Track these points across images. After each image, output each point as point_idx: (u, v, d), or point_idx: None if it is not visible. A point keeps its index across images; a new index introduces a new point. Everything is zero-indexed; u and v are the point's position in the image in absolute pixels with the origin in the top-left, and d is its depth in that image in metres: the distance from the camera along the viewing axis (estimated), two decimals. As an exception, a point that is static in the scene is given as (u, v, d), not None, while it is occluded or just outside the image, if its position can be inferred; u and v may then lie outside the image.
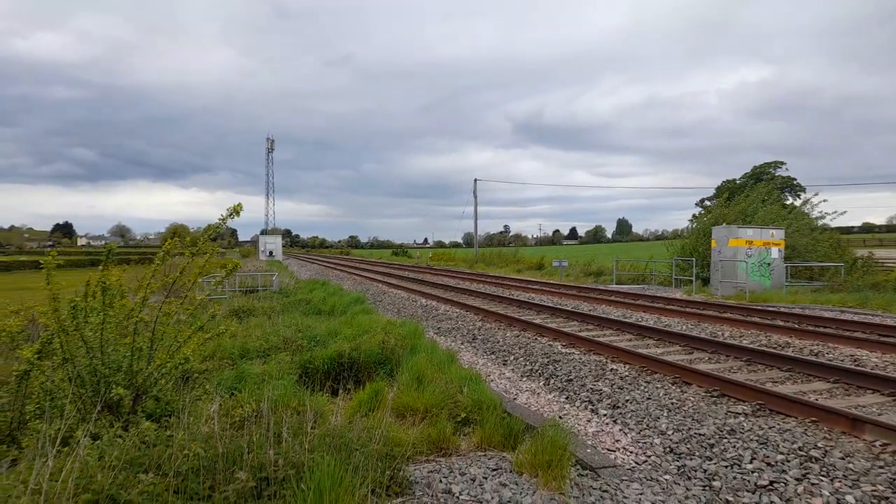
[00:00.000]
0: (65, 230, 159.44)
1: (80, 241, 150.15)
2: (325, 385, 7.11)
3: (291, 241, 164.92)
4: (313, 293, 18.08)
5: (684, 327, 11.86)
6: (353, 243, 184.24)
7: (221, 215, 5.08)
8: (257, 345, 8.27)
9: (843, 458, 4.67)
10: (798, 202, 29.20)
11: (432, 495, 3.96)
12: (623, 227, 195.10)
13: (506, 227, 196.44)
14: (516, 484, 4.21)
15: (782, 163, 51.54)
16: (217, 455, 3.59)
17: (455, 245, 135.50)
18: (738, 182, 47.11)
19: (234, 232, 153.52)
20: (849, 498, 4.01)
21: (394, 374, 7.36)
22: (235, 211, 5.12)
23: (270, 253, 62.86)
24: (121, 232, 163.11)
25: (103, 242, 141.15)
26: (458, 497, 3.97)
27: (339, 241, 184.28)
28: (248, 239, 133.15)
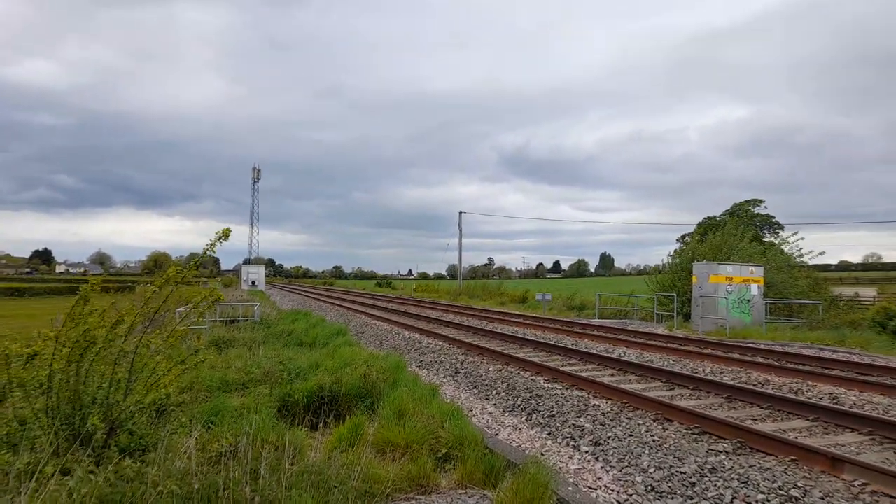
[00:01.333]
0: (43, 257, 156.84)
1: (59, 268, 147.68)
2: (304, 419, 7.01)
3: (275, 270, 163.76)
4: (295, 324, 17.91)
5: (666, 363, 11.90)
6: (337, 274, 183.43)
7: (210, 240, 5.01)
8: (237, 377, 8.15)
9: (822, 498, 4.69)
10: (777, 240, 29.72)
11: (411, 534, 3.90)
12: (606, 261, 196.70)
13: (490, 259, 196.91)
14: (497, 523, 4.16)
15: (761, 200, 52.57)
16: (192, 492, 3.51)
17: (439, 277, 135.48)
18: (717, 219, 47.88)
19: (216, 261, 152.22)
20: (828, 539, 4.01)
21: (375, 408, 7.28)
22: (224, 235, 5.06)
23: (253, 283, 62.33)
24: (101, 259, 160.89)
25: (83, 270, 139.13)
26: (437, 536, 3.91)
27: (322, 272, 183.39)
28: (231, 268, 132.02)
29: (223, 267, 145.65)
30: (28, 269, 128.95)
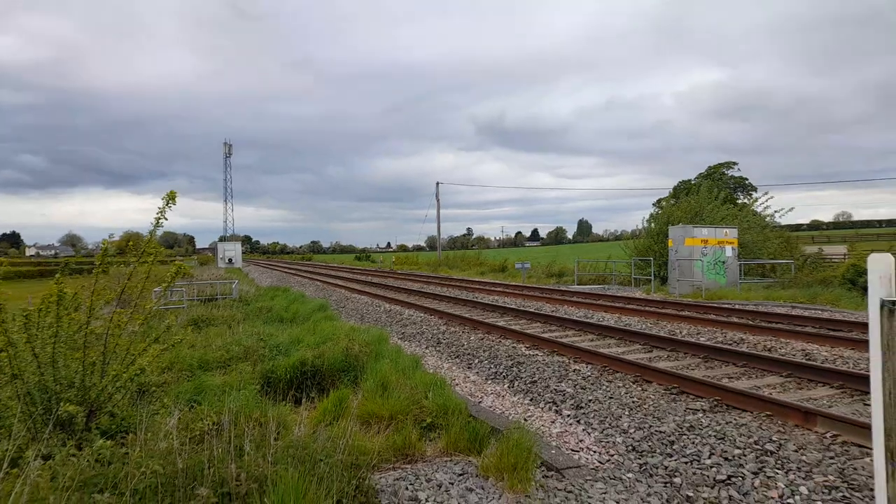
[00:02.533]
0: (12, 240, 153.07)
1: (29, 251, 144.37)
2: (288, 394, 7.01)
3: (251, 247, 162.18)
4: (275, 300, 17.80)
5: (644, 326, 12.10)
6: (316, 249, 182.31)
7: (159, 207, 4.82)
8: (217, 355, 8.09)
9: (796, 451, 4.84)
10: (749, 201, 30.16)
11: (399, 503, 3.94)
12: (583, 227, 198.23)
13: (469, 229, 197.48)
14: (482, 488, 4.22)
15: (735, 163, 53.21)
16: (176, 471, 3.49)
17: (418, 249, 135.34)
18: (693, 182, 48.36)
19: (191, 239, 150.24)
20: (802, 489, 4.15)
21: (358, 381, 7.30)
22: (170, 198, 4.84)
23: (230, 260, 61.68)
24: (72, 241, 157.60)
25: (53, 252, 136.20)
26: (424, 504, 3.96)
27: (300, 247, 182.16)
28: (207, 246, 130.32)
29: (198, 245, 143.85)
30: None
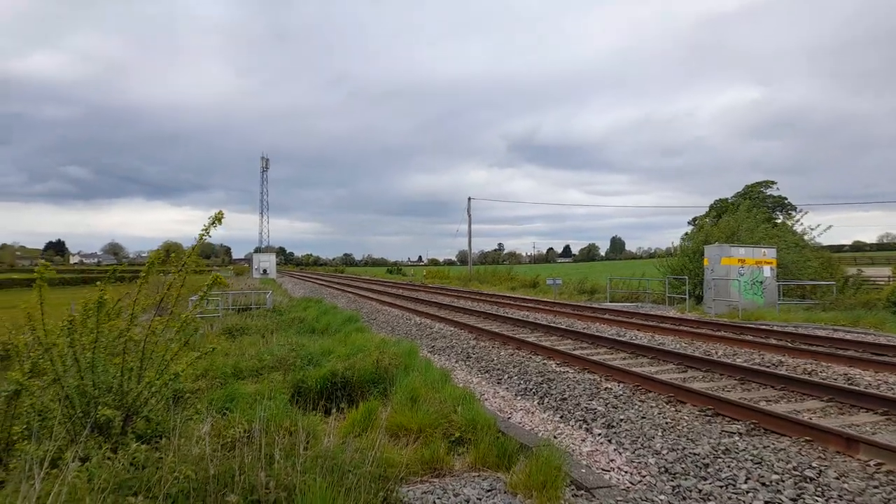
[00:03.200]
0: (57, 248, 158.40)
1: (73, 259, 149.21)
2: (317, 405, 7.06)
3: (286, 258, 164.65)
4: (307, 311, 18.01)
5: (678, 346, 11.86)
6: (348, 261, 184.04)
7: (204, 225, 4.99)
8: (250, 364, 8.22)
9: (837, 478, 4.66)
10: (790, 221, 29.45)
11: (426, 517, 3.93)
12: (616, 245, 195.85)
13: (500, 244, 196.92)
14: (510, 505, 4.18)
15: (773, 182, 51.99)
16: (208, 477, 3.55)
17: (449, 263, 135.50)
18: (729, 201, 47.43)
19: (228, 250, 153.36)
20: (844, 518, 4.00)
21: (387, 393, 7.31)
22: (217, 219, 5.02)
23: (264, 271, 62.70)
24: (114, 250, 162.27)
25: (96, 260, 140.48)
26: (451, 519, 3.93)
27: (333, 259, 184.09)
28: (243, 257, 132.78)
29: (234, 256, 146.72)
30: (43, 260, 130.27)
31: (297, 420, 5.06)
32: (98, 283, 4.84)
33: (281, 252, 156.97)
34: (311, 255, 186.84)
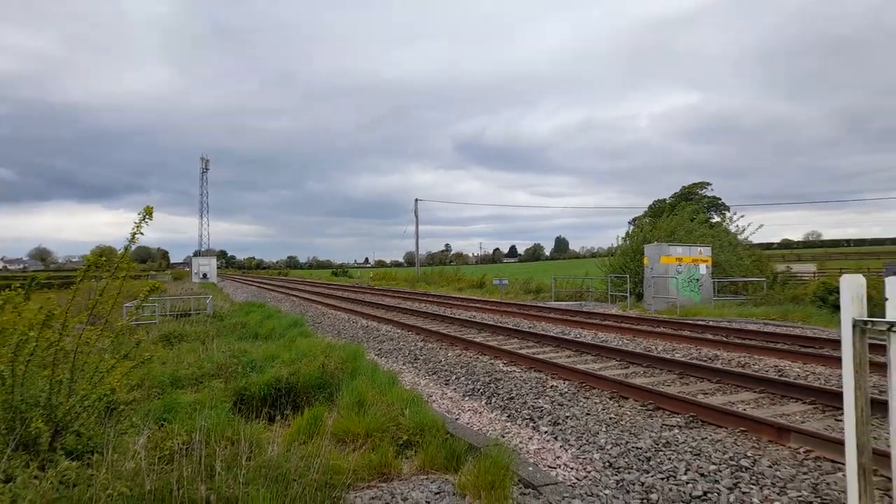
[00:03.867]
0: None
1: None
2: (261, 412, 6.87)
3: (227, 262, 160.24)
4: (249, 316, 17.54)
5: (620, 342, 12.17)
6: (292, 264, 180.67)
7: (135, 222, 4.78)
8: (189, 372, 7.92)
9: (770, 466, 4.87)
10: (724, 221, 30.76)
11: (374, 523, 3.87)
12: (561, 244, 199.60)
13: (447, 245, 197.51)
14: (459, 507, 4.17)
15: (708, 183, 54.31)
16: (144, 493, 3.39)
17: (397, 264, 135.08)
18: (667, 202, 49.14)
19: (165, 253, 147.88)
20: (777, 505, 4.18)
21: (334, 398, 7.19)
22: (147, 213, 4.81)
23: (204, 275, 60.77)
24: (41, 255, 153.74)
25: (22, 266, 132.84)
26: (400, 524, 3.89)
27: (277, 262, 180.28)
28: (182, 260, 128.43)
29: (173, 259, 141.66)
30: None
31: (240, 429, 4.90)
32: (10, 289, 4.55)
33: (222, 255, 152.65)
34: (253, 258, 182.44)
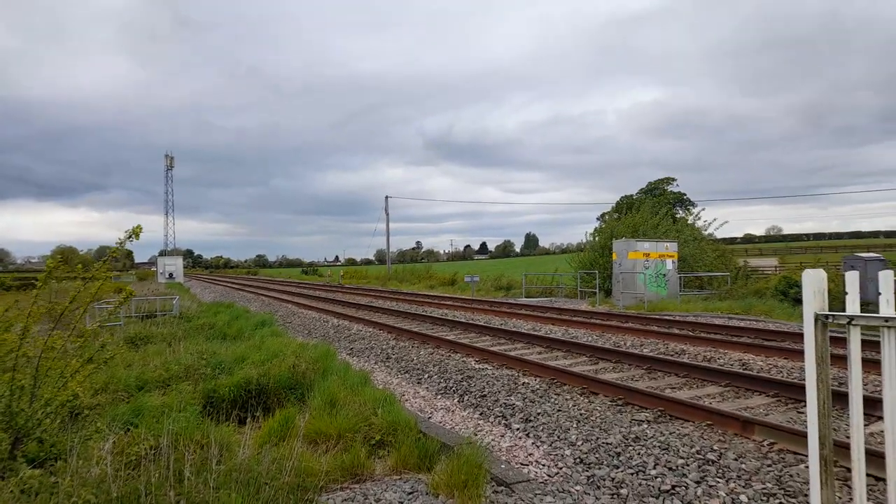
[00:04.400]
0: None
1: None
2: (231, 414, 6.77)
3: (194, 261, 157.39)
4: (218, 316, 17.26)
5: (590, 338, 12.33)
6: (261, 263, 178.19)
7: (119, 238, 4.76)
8: (156, 374, 7.75)
9: (736, 459, 5.00)
10: (689, 217, 31.38)
11: (347, 525, 3.85)
12: (531, 241, 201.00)
13: (418, 243, 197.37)
14: (433, 506, 4.17)
15: (674, 179, 55.14)
16: (110, 500, 3.31)
17: (367, 262, 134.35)
18: (634, 197, 49.82)
19: (129, 253, 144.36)
20: (742, 497, 4.28)
21: (305, 399, 7.13)
22: (135, 233, 4.82)
23: (170, 275, 59.54)
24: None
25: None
26: (373, 525, 3.88)
27: (245, 261, 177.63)
28: (147, 260, 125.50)
29: (137, 259, 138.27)
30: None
31: (210, 432, 4.82)
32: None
33: (189, 255, 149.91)
34: (221, 257, 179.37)
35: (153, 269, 75.06)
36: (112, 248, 4.80)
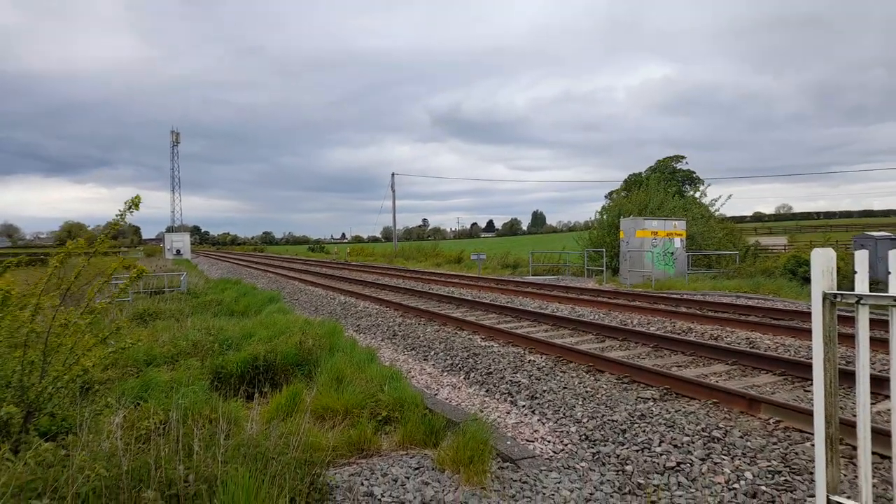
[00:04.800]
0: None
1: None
2: (239, 390, 6.84)
3: (201, 238, 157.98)
4: (225, 293, 17.38)
5: (596, 316, 12.33)
6: (268, 239, 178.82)
7: (119, 210, 4.74)
8: (165, 350, 7.83)
9: (741, 437, 5.01)
10: (697, 194, 31.14)
11: (353, 499, 3.90)
12: (538, 219, 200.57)
13: (425, 220, 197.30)
14: (438, 482, 4.22)
15: (683, 157, 54.68)
16: (121, 473, 3.35)
17: (374, 240, 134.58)
18: (643, 175, 49.47)
19: (137, 230, 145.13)
20: (747, 474, 4.30)
21: (312, 375, 7.19)
22: (134, 204, 4.78)
23: (178, 251, 59.86)
24: (7, 231, 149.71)
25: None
26: (379, 499, 3.93)
27: (252, 238, 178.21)
28: (154, 237, 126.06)
29: (145, 235, 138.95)
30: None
31: (218, 407, 4.86)
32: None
33: (196, 231, 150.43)
34: (228, 233, 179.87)
35: (161, 245, 75.43)
36: (112, 221, 4.77)
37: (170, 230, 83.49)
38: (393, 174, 50.58)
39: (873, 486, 2.75)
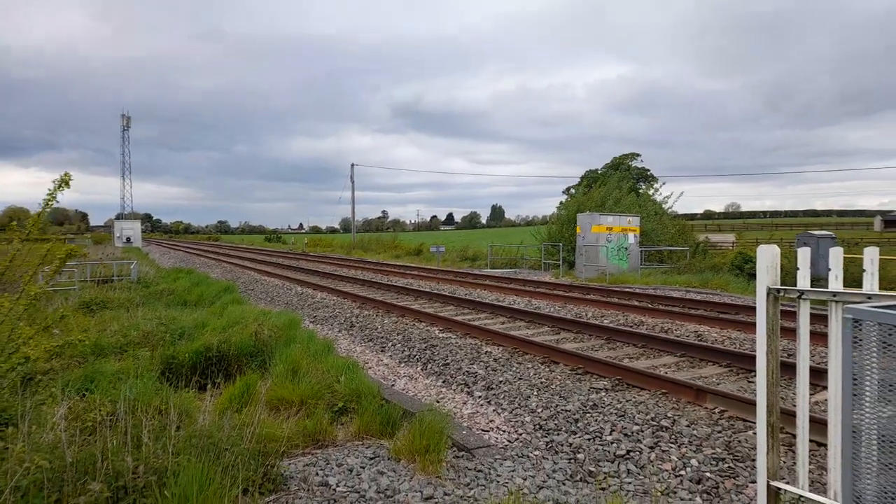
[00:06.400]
0: None
1: None
2: (191, 381, 6.68)
3: (152, 226, 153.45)
4: (177, 282, 16.94)
5: (552, 309, 12.52)
6: (223, 229, 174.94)
7: (49, 189, 4.52)
8: (113, 340, 7.59)
9: (688, 426, 5.18)
10: (651, 191, 31.90)
11: (308, 489, 3.88)
12: (497, 213, 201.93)
13: (384, 212, 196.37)
14: (394, 471, 4.23)
15: (638, 154, 55.87)
16: (65, 465, 3.25)
17: (332, 231, 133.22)
18: (599, 172, 50.37)
19: (84, 216, 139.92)
20: (693, 461, 4.46)
21: (267, 366, 7.09)
22: (64, 182, 4.54)
23: (128, 239, 57.94)
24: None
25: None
26: (334, 489, 3.92)
27: (206, 227, 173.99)
28: (103, 224, 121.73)
29: (93, 222, 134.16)
30: None
31: (169, 398, 4.76)
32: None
33: (147, 219, 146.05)
34: (181, 222, 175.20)
35: (110, 232, 72.89)
36: (45, 201, 4.54)
37: (120, 217, 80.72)
38: (353, 165, 50.09)
39: (810, 472, 2.89)
